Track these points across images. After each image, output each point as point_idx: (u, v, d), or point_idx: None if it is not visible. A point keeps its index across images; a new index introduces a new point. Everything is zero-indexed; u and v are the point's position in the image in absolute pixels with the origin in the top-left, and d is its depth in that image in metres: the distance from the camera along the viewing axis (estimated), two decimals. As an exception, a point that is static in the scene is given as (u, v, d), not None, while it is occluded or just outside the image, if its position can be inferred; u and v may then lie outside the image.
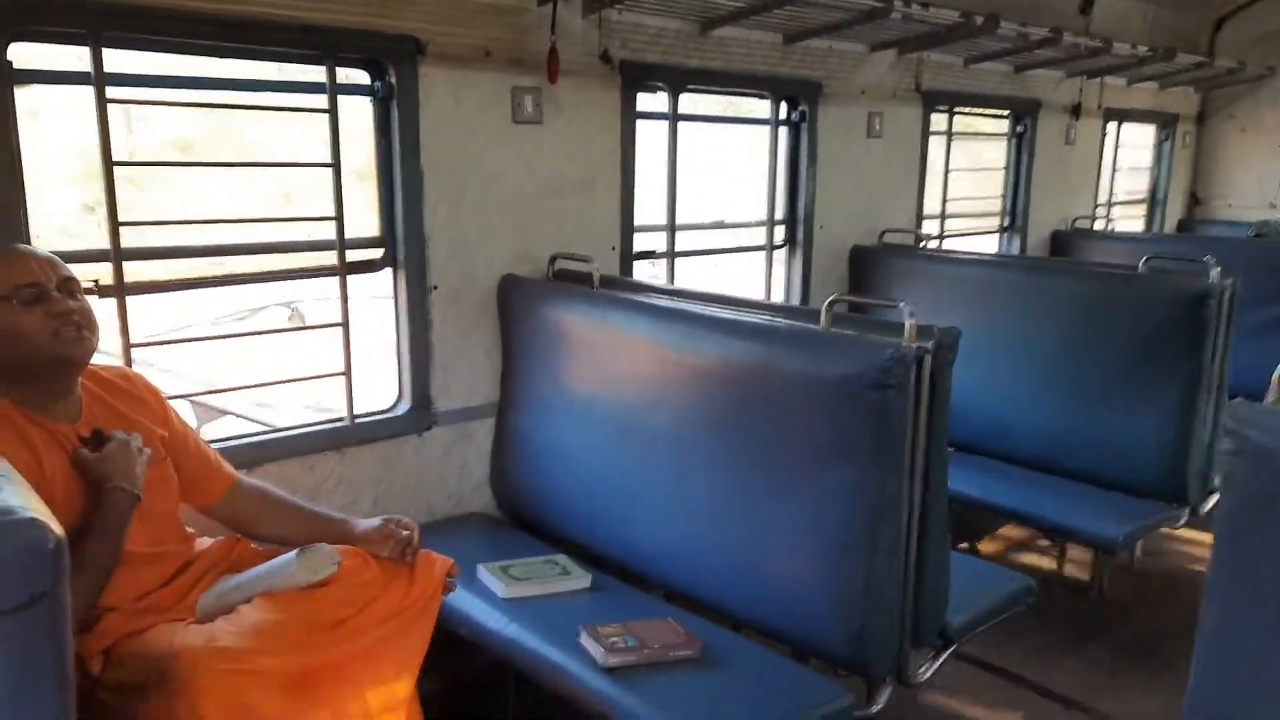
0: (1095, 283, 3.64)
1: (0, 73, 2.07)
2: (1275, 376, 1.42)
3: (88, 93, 2.20)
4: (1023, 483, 3.50)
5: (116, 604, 1.84)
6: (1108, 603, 3.60)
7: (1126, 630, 3.45)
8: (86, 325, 1.83)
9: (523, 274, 3.01)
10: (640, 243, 3.40)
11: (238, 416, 3.08)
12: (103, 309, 2.01)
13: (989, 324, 3.61)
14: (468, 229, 2.89)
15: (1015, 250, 5.25)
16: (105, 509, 1.75)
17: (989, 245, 5.22)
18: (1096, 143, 5.71)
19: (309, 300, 5.82)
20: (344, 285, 2.68)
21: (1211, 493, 3.36)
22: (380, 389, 2.91)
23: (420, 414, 2.88)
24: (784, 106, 3.86)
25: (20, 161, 2.13)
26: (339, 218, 2.62)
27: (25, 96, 2.12)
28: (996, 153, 5.16)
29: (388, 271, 2.83)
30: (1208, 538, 1.51)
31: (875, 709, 2.24)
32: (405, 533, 2.04)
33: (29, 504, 1.08)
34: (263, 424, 2.74)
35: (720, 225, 4.03)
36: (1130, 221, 6.38)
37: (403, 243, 2.78)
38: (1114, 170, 6.03)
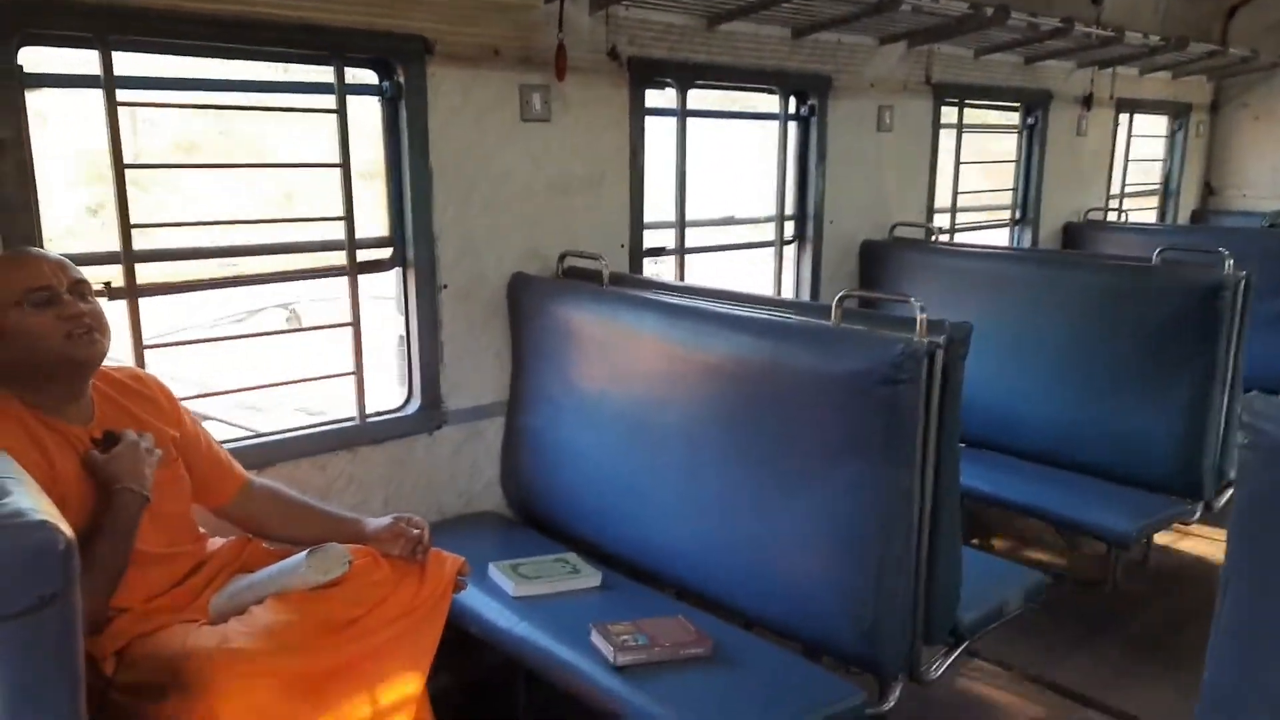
0: (1108, 275, 3.61)
1: (11, 76, 2.08)
2: None
3: (91, 95, 2.21)
4: (1035, 478, 3.48)
5: (129, 604, 1.85)
6: (1120, 598, 3.58)
7: (1138, 626, 3.43)
8: (98, 327, 1.84)
9: (532, 272, 3.01)
10: (649, 239, 3.39)
11: (220, 421, 3.05)
12: (113, 311, 2.02)
13: (1001, 318, 3.59)
14: (477, 227, 2.89)
15: (1027, 243, 5.22)
16: (114, 510, 1.76)
17: (1000, 238, 5.19)
18: (1108, 133, 5.67)
19: (305, 301, 5.82)
20: (354, 285, 2.69)
21: (1226, 487, 3.34)
22: (380, 388, 2.91)
23: (431, 413, 2.89)
24: (793, 101, 3.84)
25: (32, 165, 2.14)
26: (349, 218, 2.63)
27: (30, 100, 2.13)
28: (1007, 145, 5.13)
29: (388, 272, 2.83)
30: (1221, 533, 1.49)
31: (887, 707, 2.23)
32: (416, 531, 2.05)
33: (39, 506, 1.08)
34: (245, 429, 2.75)
35: (730, 221, 4.02)
36: (1143, 213, 6.33)
37: (412, 242, 2.78)
38: (1126, 161, 5.99)
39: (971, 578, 2.37)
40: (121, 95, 2.24)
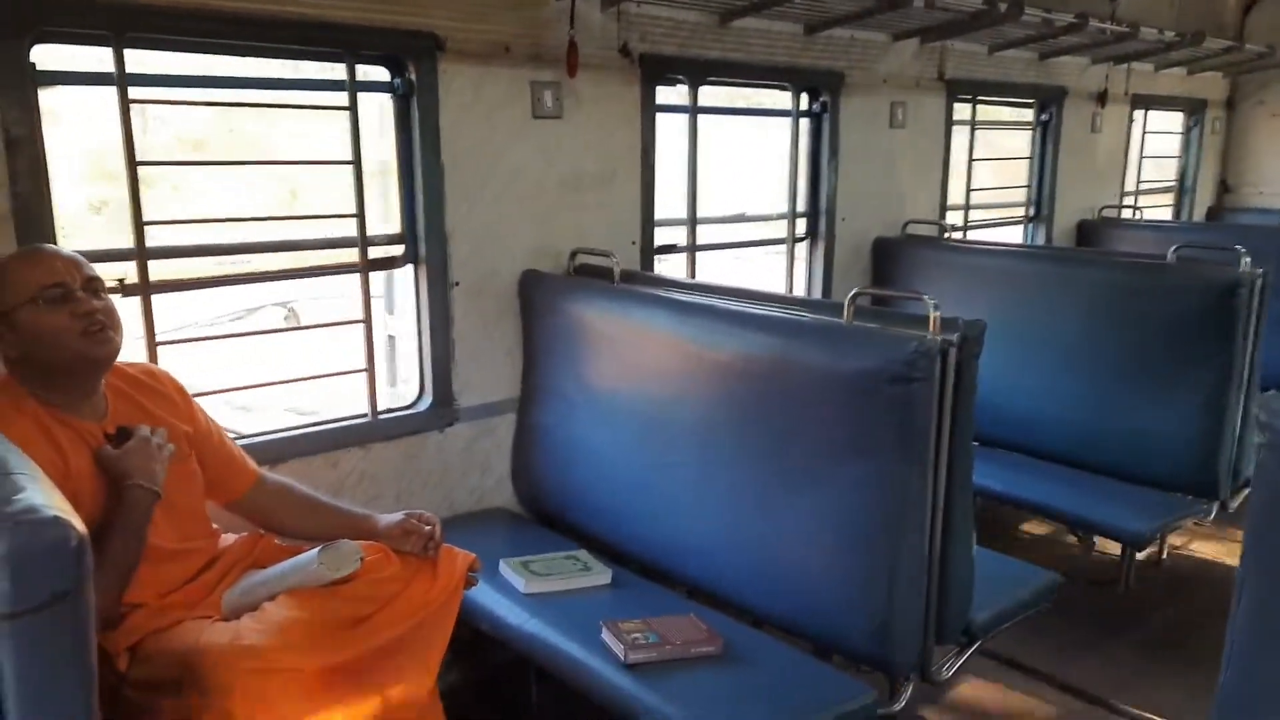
0: (1123, 273, 3.59)
1: (24, 74, 2.09)
2: None
3: (99, 93, 2.21)
4: (1048, 477, 3.46)
5: (142, 600, 1.85)
6: (1134, 598, 3.55)
7: (1152, 626, 3.41)
8: (111, 324, 1.84)
9: (543, 269, 3.01)
10: (661, 237, 3.39)
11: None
12: (125, 308, 2.02)
13: (1014, 316, 3.57)
14: (488, 225, 2.89)
15: (1041, 240, 5.19)
16: (126, 506, 1.76)
17: (1014, 235, 5.16)
18: (1123, 130, 5.63)
19: (304, 300, 5.83)
20: (366, 282, 2.69)
21: (1242, 487, 3.30)
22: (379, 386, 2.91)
23: (442, 410, 2.89)
24: (805, 97, 3.83)
25: (45, 162, 2.14)
26: (360, 215, 2.63)
27: (42, 98, 2.14)
28: (1021, 142, 5.10)
29: (387, 271, 2.84)
30: (1237, 533, 1.48)
31: (898, 706, 2.23)
32: (427, 528, 2.05)
33: (52, 502, 1.08)
34: (233, 432, 2.76)
35: (741, 218, 4.01)
36: (1158, 210, 6.28)
37: (424, 239, 2.78)
38: (1141, 158, 5.94)
39: (984, 577, 2.35)
40: (133, 93, 2.24)
